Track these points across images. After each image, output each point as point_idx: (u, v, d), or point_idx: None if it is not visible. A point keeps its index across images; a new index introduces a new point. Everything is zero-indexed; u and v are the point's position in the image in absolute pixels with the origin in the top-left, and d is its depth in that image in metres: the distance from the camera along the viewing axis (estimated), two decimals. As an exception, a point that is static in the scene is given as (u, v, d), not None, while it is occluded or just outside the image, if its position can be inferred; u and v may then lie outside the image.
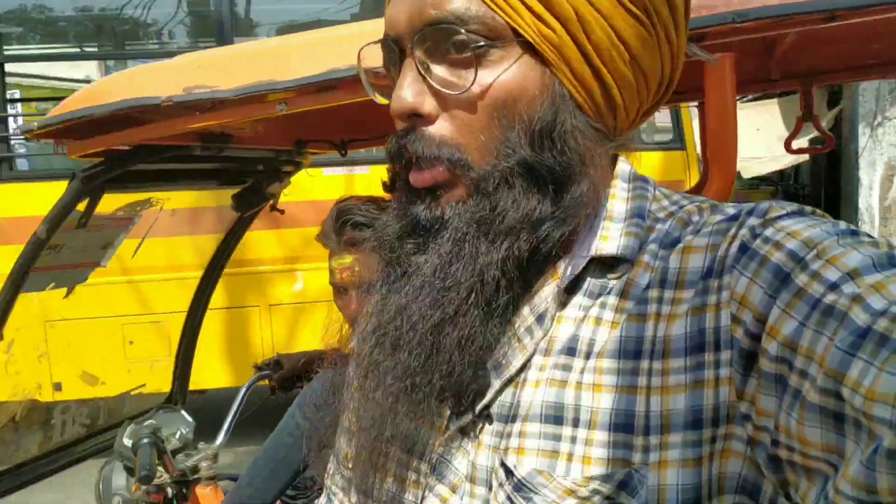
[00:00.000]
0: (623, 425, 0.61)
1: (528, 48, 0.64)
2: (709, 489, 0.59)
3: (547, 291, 0.67)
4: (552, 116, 0.65)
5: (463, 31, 0.63)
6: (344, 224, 1.73)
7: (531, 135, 0.65)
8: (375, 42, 0.71)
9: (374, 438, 0.71)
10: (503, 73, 0.64)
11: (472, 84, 0.64)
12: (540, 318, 0.67)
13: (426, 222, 0.67)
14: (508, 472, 0.64)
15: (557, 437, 0.63)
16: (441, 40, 0.65)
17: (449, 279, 0.65)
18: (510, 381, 0.67)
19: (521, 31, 0.63)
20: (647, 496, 0.59)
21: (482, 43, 0.63)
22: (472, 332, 0.65)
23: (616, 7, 0.64)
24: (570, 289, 0.67)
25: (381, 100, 0.73)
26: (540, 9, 0.63)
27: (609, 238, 0.66)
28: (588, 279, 0.66)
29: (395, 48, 0.68)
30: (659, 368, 0.61)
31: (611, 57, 0.65)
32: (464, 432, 0.68)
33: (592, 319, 0.65)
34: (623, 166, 0.72)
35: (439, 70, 0.66)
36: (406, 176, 0.69)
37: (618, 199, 0.69)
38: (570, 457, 0.62)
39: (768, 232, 0.59)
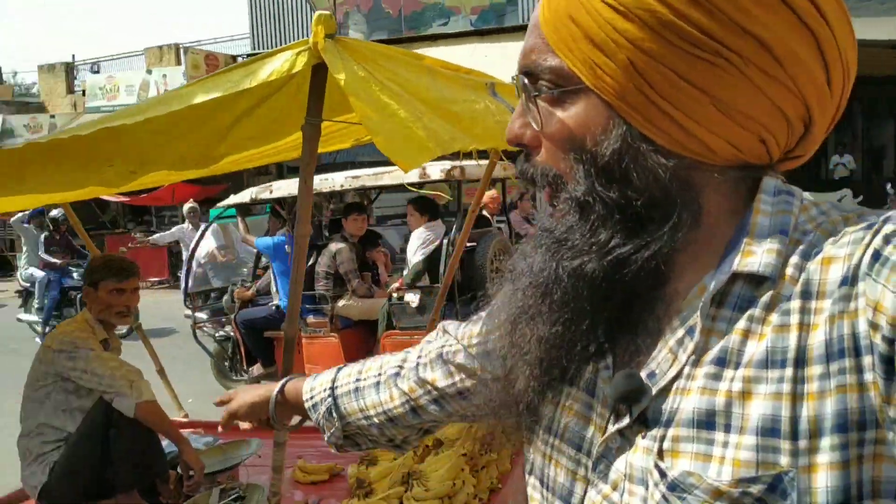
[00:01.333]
0: (770, 430, 0.64)
1: (598, 94, 0.73)
2: (858, 491, 0.62)
3: (696, 305, 0.72)
4: (619, 154, 0.72)
5: (540, 79, 0.76)
6: None
7: (597, 170, 0.73)
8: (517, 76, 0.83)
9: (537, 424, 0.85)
10: (571, 114, 0.75)
11: (546, 123, 0.76)
12: (690, 331, 0.72)
13: (544, 229, 0.79)
14: (662, 473, 0.69)
15: (710, 442, 0.68)
16: (530, 83, 0.77)
17: (534, 280, 0.77)
18: (665, 389, 0.72)
19: (582, 78, 0.73)
20: (798, 498, 0.63)
21: (553, 89, 0.75)
22: (558, 332, 0.76)
23: (678, 53, 0.69)
24: (720, 302, 0.71)
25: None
26: (600, 59, 0.71)
27: (752, 254, 0.70)
28: (736, 293, 0.71)
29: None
30: (803, 376, 0.64)
31: (682, 101, 0.70)
32: (622, 434, 0.75)
33: (740, 331, 0.69)
34: (768, 181, 0.75)
35: (533, 107, 0.77)
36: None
37: (761, 214, 0.73)
38: (721, 460, 0.67)
39: None
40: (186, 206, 12.06)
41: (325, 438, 1.25)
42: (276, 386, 1.32)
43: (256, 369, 7.00)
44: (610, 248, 0.73)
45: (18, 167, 2.59)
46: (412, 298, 5.98)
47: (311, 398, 1.25)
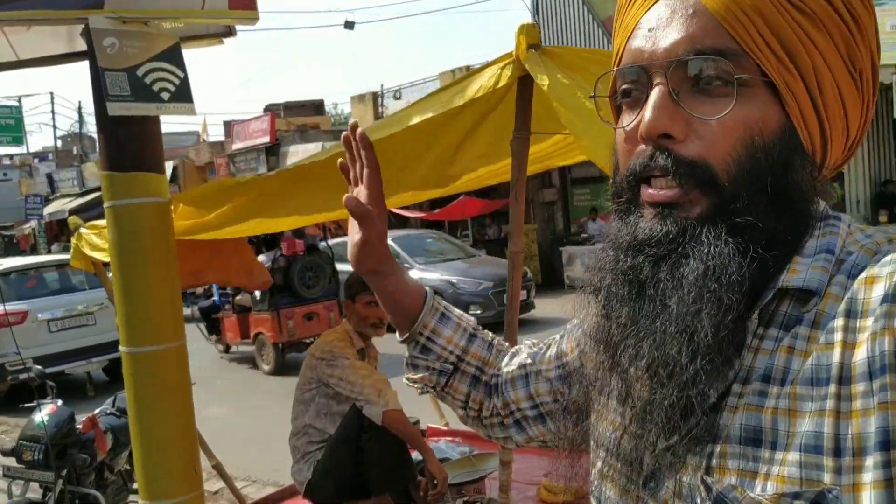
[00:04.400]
0: (814, 447, 0.65)
1: (770, 88, 0.73)
2: None
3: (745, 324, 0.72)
4: (787, 152, 0.74)
5: (725, 64, 0.72)
6: None
7: (774, 164, 0.73)
8: (613, 70, 0.82)
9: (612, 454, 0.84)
10: (751, 105, 0.73)
11: (727, 113, 0.72)
12: (738, 348, 0.73)
13: (661, 235, 0.74)
14: (708, 488, 0.71)
15: (756, 459, 0.68)
16: (697, 71, 0.73)
17: (699, 299, 0.71)
18: (714, 406, 0.73)
19: (767, 72, 0.72)
20: None
21: (744, 76, 0.72)
22: (711, 359, 0.71)
23: (843, 66, 0.74)
24: (768, 321, 0.73)
25: (613, 122, 0.85)
26: (783, 56, 0.72)
27: (797, 272, 0.72)
28: (783, 312, 0.72)
29: (636, 77, 0.78)
30: (847, 393, 0.64)
31: (832, 109, 0.75)
32: (672, 451, 0.75)
33: (785, 349, 0.70)
34: (817, 206, 0.77)
35: (693, 97, 0.74)
36: (637, 191, 0.78)
37: (810, 237, 0.75)
38: (766, 476, 0.67)
39: None
40: None
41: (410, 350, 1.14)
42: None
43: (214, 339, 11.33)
44: (778, 242, 0.73)
45: (278, 191, 2.86)
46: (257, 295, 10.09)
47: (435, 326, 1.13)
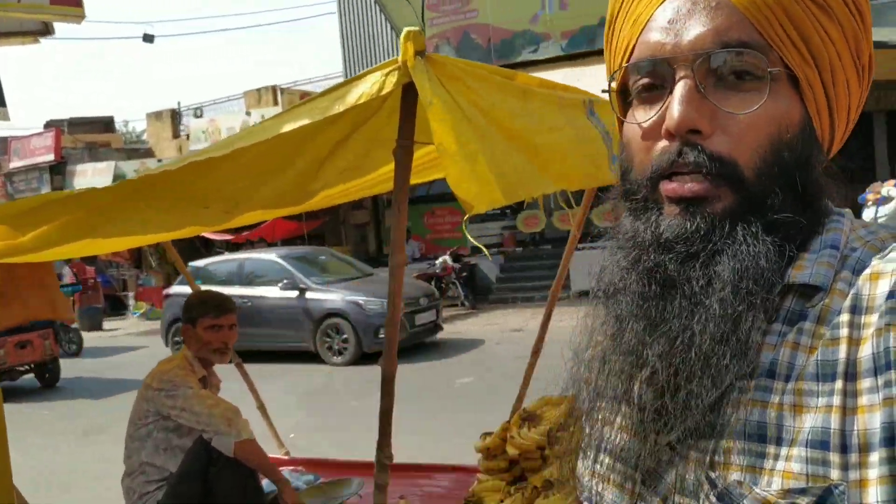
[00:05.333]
0: (820, 443, 0.64)
1: (792, 82, 0.74)
2: None
3: None
4: (809, 145, 0.75)
5: (753, 57, 0.72)
6: None
7: (797, 158, 0.73)
8: (642, 61, 0.77)
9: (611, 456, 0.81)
10: (778, 100, 0.73)
11: (758, 107, 0.72)
12: None
13: (691, 232, 0.73)
14: (713, 484, 0.69)
15: (762, 455, 0.68)
16: (723, 64, 0.72)
17: (738, 298, 0.70)
18: (715, 402, 0.71)
19: (790, 65, 0.73)
20: None
21: (776, 69, 0.72)
22: (742, 357, 0.70)
23: (851, 59, 0.76)
24: (771, 316, 0.72)
25: (622, 120, 0.81)
26: (804, 49, 0.73)
27: (803, 268, 0.72)
28: (787, 307, 0.72)
29: (665, 69, 0.75)
30: (853, 389, 0.64)
31: (842, 101, 0.77)
32: (672, 447, 0.74)
33: (790, 344, 0.70)
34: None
35: (720, 91, 0.73)
36: (656, 187, 0.76)
37: (814, 232, 0.75)
38: (771, 472, 0.66)
39: None
40: None
41: None
42: None
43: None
44: (789, 240, 0.72)
45: (109, 208, 2.58)
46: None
47: None
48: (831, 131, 0.78)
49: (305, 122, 2.21)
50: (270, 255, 12.31)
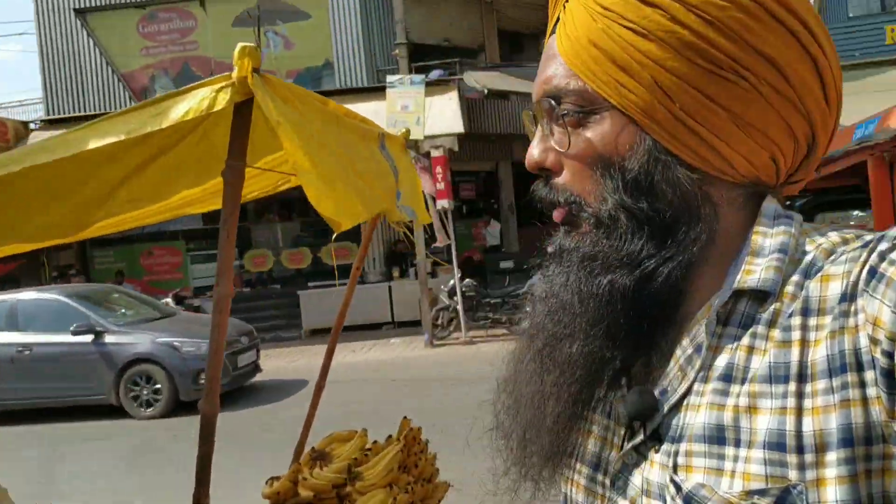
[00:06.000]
0: (777, 444, 0.66)
1: (621, 111, 0.76)
2: None
3: (703, 323, 0.74)
4: (647, 168, 0.76)
5: (563, 102, 0.79)
6: None
7: (626, 183, 0.76)
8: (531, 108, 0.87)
9: (549, 449, 0.83)
10: (597, 132, 0.78)
11: (570, 144, 0.79)
12: (698, 349, 0.74)
13: (556, 249, 0.82)
14: (677, 487, 0.71)
15: (721, 456, 0.69)
16: (551, 108, 0.80)
17: (558, 301, 0.80)
18: (676, 405, 0.75)
19: (607, 98, 0.76)
20: None
21: (577, 111, 0.78)
22: (592, 351, 0.77)
23: (699, 71, 0.73)
24: (725, 321, 0.74)
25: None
26: (623, 79, 0.75)
27: (752, 272, 0.73)
28: (740, 311, 0.73)
29: (532, 113, 0.85)
30: (808, 391, 0.66)
31: (702, 115, 0.74)
32: (638, 451, 0.77)
33: (745, 348, 0.71)
34: (767, 205, 0.78)
35: (556, 131, 0.81)
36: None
37: (761, 236, 0.76)
38: (732, 473, 0.68)
39: (895, 255, 0.64)
40: None
41: None
42: None
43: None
44: (640, 260, 0.75)
45: None
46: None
47: None
48: (715, 151, 0.75)
49: (113, 139, 1.97)
50: (52, 294, 10.30)
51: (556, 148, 0.81)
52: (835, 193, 8.17)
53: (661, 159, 0.76)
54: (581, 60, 0.77)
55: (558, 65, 0.80)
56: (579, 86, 0.78)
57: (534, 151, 0.83)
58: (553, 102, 0.80)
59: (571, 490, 0.86)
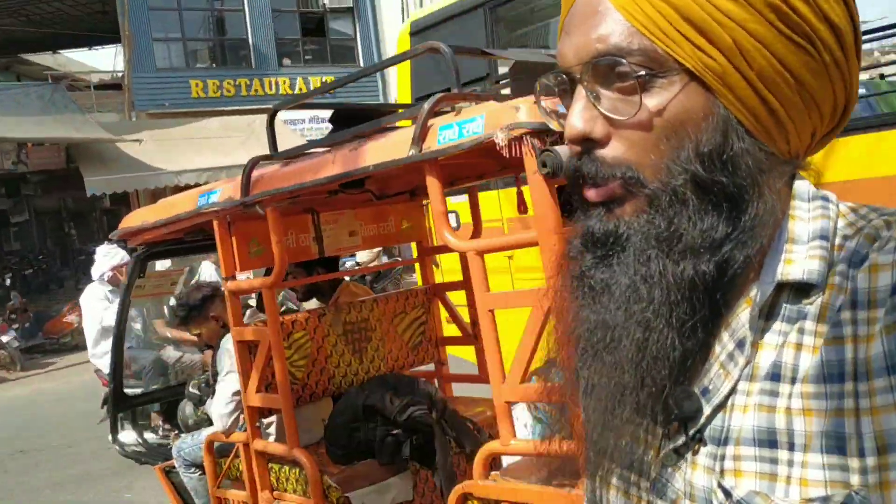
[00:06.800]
0: (836, 448, 0.62)
1: (693, 75, 0.68)
2: None
3: (743, 318, 0.70)
4: (721, 139, 0.68)
5: (625, 62, 0.68)
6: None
7: (700, 155, 0.68)
8: (551, 73, 0.78)
9: (596, 454, 0.78)
10: (669, 99, 0.69)
11: (639, 111, 0.69)
12: (740, 345, 0.69)
13: (601, 234, 0.72)
14: (727, 493, 0.67)
15: (774, 461, 0.65)
16: (607, 71, 0.70)
17: (640, 297, 0.69)
18: (720, 406, 0.70)
19: (682, 61, 0.68)
20: None
21: (644, 73, 0.68)
22: (667, 351, 0.69)
23: (777, 36, 0.67)
24: (768, 314, 0.69)
25: (557, 126, 0.79)
26: (700, 40, 0.67)
27: (794, 262, 0.69)
28: (784, 305, 0.69)
29: (566, 79, 0.75)
30: (865, 390, 0.62)
31: (775, 83, 0.69)
32: (678, 453, 0.72)
33: (793, 345, 0.67)
34: (801, 185, 0.73)
35: (608, 97, 0.71)
36: (581, 192, 0.74)
37: (799, 220, 0.71)
38: (788, 479, 0.64)
39: None
40: None
41: None
42: None
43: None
44: (718, 243, 0.68)
45: None
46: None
47: None
48: (776, 121, 0.70)
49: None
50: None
51: (610, 115, 0.70)
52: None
53: (733, 130, 0.69)
54: (648, 17, 0.68)
55: (614, 21, 0.70)
56: (646, 45, 0.68)
57: (576, 121, 0.72)
58: (616, 62, 0.69)
59: (606, 491, 0.81)
